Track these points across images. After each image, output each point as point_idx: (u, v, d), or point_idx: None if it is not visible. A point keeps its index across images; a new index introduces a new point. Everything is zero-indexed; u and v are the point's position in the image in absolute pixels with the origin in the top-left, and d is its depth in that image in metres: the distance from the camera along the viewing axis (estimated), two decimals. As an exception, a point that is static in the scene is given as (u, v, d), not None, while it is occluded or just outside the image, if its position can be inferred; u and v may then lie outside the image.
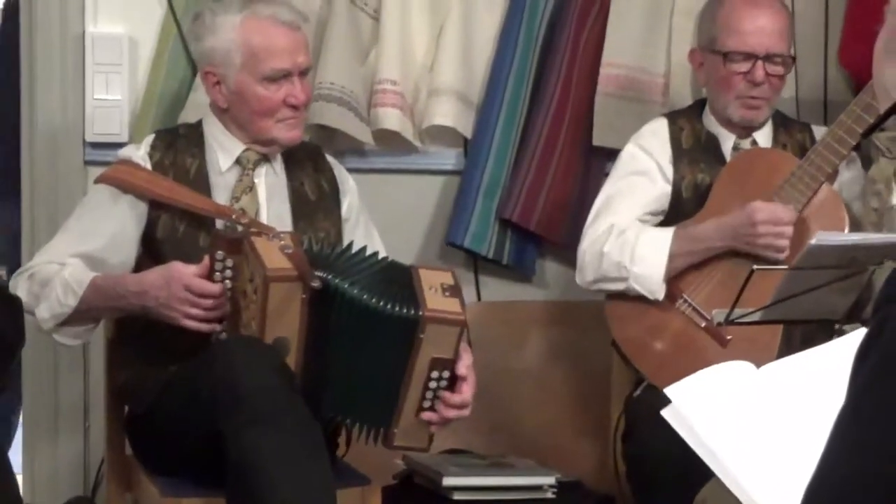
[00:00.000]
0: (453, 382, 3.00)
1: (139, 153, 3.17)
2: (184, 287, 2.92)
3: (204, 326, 2.95)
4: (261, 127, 3.15)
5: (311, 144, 3.39)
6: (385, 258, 3.10)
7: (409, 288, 2.96)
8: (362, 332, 2.92)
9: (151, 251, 3.10)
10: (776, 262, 3.26)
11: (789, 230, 3.27)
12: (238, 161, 3.18)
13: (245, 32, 3.12)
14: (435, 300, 2.95)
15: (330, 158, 3.33)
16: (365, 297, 2.90)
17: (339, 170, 3.33)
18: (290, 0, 3.40)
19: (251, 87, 3.13)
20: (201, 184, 3.14)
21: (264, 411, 2.75)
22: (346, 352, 2.93)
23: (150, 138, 3.21)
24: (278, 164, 3.23)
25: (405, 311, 2.92)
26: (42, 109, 3.61)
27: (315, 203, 3.23)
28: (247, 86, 3.13)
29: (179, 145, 3.17)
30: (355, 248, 3.04)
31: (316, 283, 2.87)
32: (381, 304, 2.91)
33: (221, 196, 3.15)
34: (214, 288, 2.93)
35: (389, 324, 2.92)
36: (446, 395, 2.98)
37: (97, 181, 3.17)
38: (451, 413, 2.99)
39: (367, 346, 2.94)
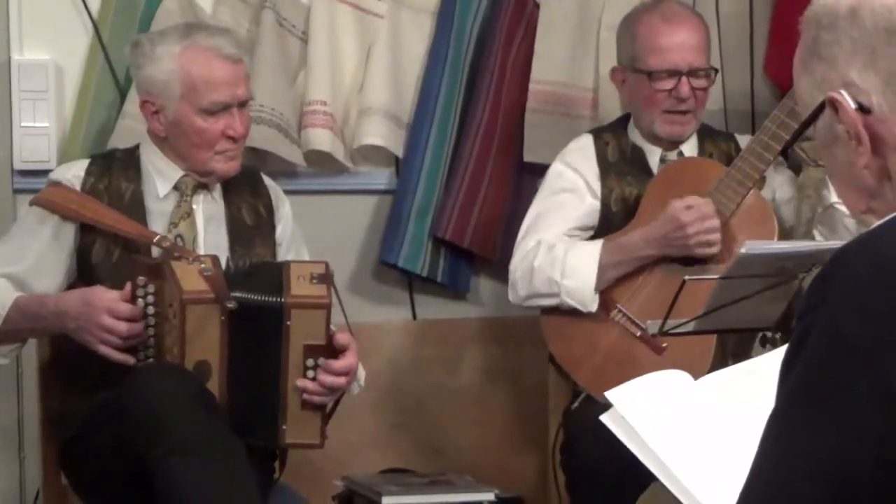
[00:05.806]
0: None
1: (68, 175, 3.16)
2: (107, 312, 2.91)
3: (117, 355, 2.93)
4: (198, 158, 3.13)
5: (250, 168, 3.36)
6: (261, 260, 3.13)
7: (279, 281, 2.99)
8: (247, 332, 2.93)
9: (86, 276, 3.08)
10: (708, 261, 3.29)
11: (717, 223, 3.30)
12: (176, 187, 3.16)
13: (185, 63, 3.10)
14: (300, 287, 2.98)
15: (268, 181, 3.32)
16: (242, 296, 2.94)
17: (277, 192, 3.31)
18: (231, 30, 3.39)
19: (189, 119, 3.11)
20: (136, 209, 3.12)
21: (184, 440, 2.74)
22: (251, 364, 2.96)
23: (84, 162, 3.19)
24: (217, 191, 3.21)
25: (270, 299, 2.96)
26: (-31, 139, 3.58)
27: (252, 229, 3.22)
28: (185, 117, 3.11)
29: (115, 170, 3.15)
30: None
31: (231, 304, 2.88)
32: (251, 297, 2.95)
33: (158, 222, 3.13)
34: (136, 310, 2.92)
35: (260, 316, 2.95)
36: (328, 361, 2.99)
37: (30, 203, 3.17)
38: (330, 379, 2.99)
39: (252, 347, 2.95)
